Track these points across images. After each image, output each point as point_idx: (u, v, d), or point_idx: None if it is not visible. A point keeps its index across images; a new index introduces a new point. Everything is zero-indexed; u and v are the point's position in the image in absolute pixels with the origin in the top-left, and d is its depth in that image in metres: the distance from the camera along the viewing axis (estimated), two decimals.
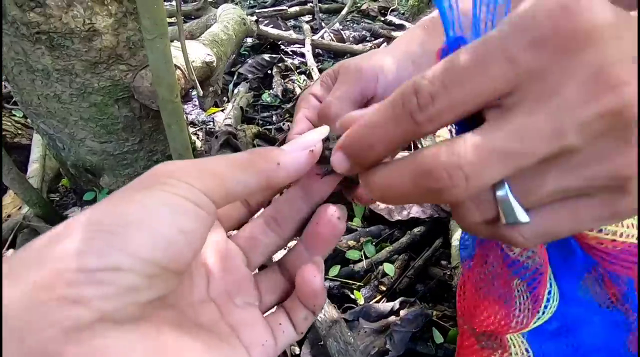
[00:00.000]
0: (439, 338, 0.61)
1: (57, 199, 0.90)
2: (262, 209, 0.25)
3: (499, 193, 0.17)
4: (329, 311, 0.54)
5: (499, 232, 0.18)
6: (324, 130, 0.23)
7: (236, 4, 2.39)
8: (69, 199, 0.90)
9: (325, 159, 0.22)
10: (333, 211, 0.23)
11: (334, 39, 1.82)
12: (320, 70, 1.65)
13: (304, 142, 0.22)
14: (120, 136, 0.73)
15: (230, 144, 0.89)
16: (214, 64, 0.75)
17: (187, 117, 1.28)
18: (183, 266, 0.17)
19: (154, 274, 0.15)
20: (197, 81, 0.58)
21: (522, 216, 0.17)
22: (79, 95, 0.66)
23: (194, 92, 1.01)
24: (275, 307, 0.24)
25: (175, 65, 0.60)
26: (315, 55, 1.78)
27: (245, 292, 0.23)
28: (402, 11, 2.26)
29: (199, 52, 0.75)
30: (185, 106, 1.31)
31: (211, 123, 1.31)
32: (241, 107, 1.22)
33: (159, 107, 0.55)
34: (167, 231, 0.16)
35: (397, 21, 1.95)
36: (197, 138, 1.19)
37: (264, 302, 0.23)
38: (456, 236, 0.73)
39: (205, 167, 0.18)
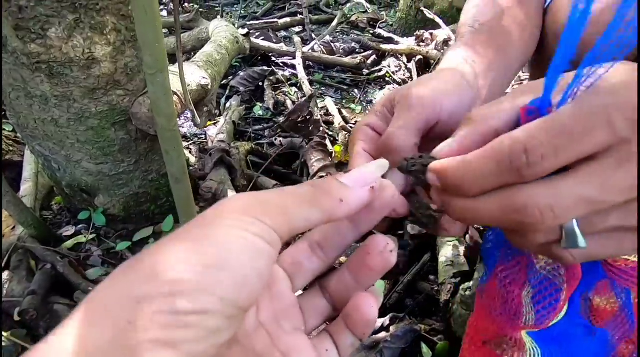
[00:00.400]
0: (427, 354, 0.64)
1: (51, 217, 0.91)
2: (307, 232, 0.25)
3: (567, 224, 0.20)
4: None
5: (554, 252, 0.22)
6: (384, 164, 0.24)
7: (227, 14, 2.41)
8: (62, 218, 0.90)
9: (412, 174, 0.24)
10: (386, 244, 0.22)
11: (324, 51, 1.85)
12: (311, 82, 1.68)
13: (365, 178, 0.22)
14: (116, 158, 0.74)
15: (224, 161, 0.91)
16: (209, 86, 0.78)
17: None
18: (254, 302, 0.18)
19: (233, 314, 0.16)
20: (194, 110, 0.61)
21: (582, 243, 0.21)
22: (76, 120, 0.68)
23: (205, 109, 1.03)
24: (319, 331, 0.23)
25: (172, 91, 0.62)
26: (306, 67, 1.81)
27: (292, 317, 0.23)
28: (390, 23, 2.32)
29: (195, 76, 0.77)
30: (177, 119, 1.32)
31: (204, 136, 1.33)
32: (233, 121, 1.23)
33: (158, 134, 0.57)
34: (247, 272, 0.16)
35: (385, 34, 1.99)
36: (190, 153, 1.20)
37: (308, 326, 0.23)
38: (443, 253, 0.76)
39: (272, 202, 0.19)
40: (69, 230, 0.86)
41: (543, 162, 0.19)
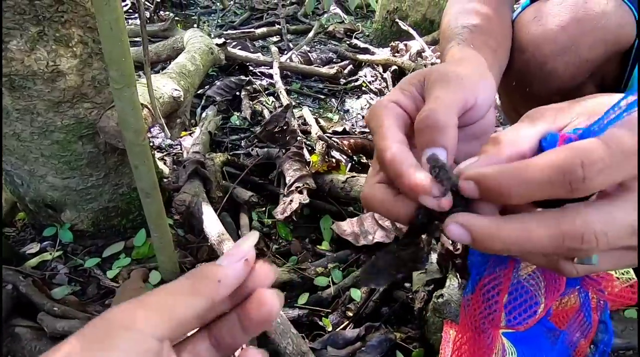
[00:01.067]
0: None
1: (14, 234, 0.86)
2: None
3: None
4: (297, 343, 0.57)
5: (561, 265, 0.23)
6: (254, 237, 0.25)
7: (204, 22, 2.40)
8: (26, 235, 0.86)
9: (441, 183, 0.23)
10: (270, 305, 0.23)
11: (302, 60, 1.87)
12: (289, 92, 1.69)
13: (238, 253, 0.23)
14: (84, 172, 0.72)
15: (198, 173, 0.90)
16: (182, 98, 0.77)
17: (152, 142, 1.26)
18: None
19: None
20: (164, 124, 0.60)
21: (595, 260, 0.22)
22: (40, 134, 0.65)
23: (178, 120, 1.01)
24: None
25: (142, 104, 0.62)
26: (283, 77, 1.82)
27: None
28: (367, 33, 2.37)
29: (167, 88, 0.76)
30: (152, 130, 1.30)
31: (179, 147, 1.30)
32: (209, 132, 1.22)
33: (126, 149, 0.56)
34: None
35: (361, 44, 2.04)
36: (165, 164, 1.18)
37: None
38: None
39: (151, 306, 0.20)
40: (34, 247, 0.82)
41: (597, 178, 0.19)
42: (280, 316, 0.61)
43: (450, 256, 0.69)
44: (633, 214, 0.20)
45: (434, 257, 0.75)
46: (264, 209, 1.04)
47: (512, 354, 0.42)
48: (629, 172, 0.20)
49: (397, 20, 2.10)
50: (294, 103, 1.64)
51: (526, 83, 0.59)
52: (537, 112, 0.26)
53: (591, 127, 0.22)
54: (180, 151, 1.27)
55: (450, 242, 0.72)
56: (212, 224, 0.76)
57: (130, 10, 2.24)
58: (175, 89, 0.76)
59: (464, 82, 0.30)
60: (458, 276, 0.68)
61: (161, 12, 2.28)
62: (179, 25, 2.12)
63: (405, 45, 1.89)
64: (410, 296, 0.74)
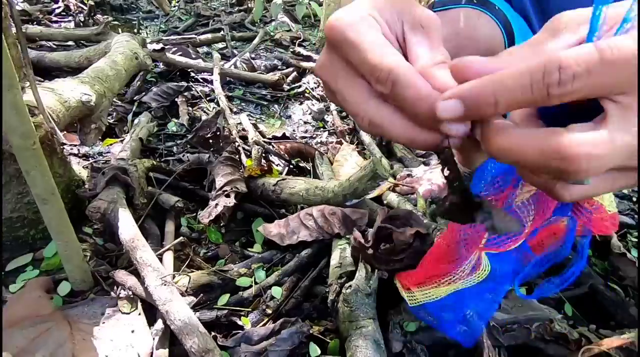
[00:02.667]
0: (314, 351, 0.67)
1: None
2: None
3: None
4: (203, 341, 0.57)
5: (555, 187, 0.22)
6: None
7: (146, 27, 2.34)
8: None
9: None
10: None
11: (246, 67, 1.88)
12: (229, 98, 1.69)
13: None
14: None
15: (118, 179, 0.88)
16: (92, 102, 0.75)
17: (78, 150, 1.21)
18: None
19: None
20: (56, 129, 0.59)
21: (588, 180, 0.21)
22: None
23: (93, 125, 0.97)
24: None
25: (31, 106, 0.60)
26: (227, 83, 1.82)
27: None
28: (313, 42, 2.43)
29: (75, 92, 0.74)
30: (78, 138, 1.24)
31: (109, 154, 1.26)
32: (140, 138, 1.19)
33: (15, 154, 0.54)
34: None
35: (304, 52, 2.09)
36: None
37: None
38: (334, 256, 0.81)
39: None
40: None
41: (573, 83, 0.19)
42: (189, 317, 0.61)
43: (362, 247, 0.73)
44: (628, 135, 0.19)
45: (347, 250, 0.79)
46: (195, 214, 1.04)
47: (486, 268, 0.45)
48: (619, 84, 0.19)
49: None
50: (235, 109, 1.65)
51: None
52: (558, 21, 0.24)
53: (588, 38, 0.21)
54: (109, 160, 1.23)
55: (361, 235, 0.76)
56: (127, 230, 0.75)
57: (64, 13, 2.14)
58: (85, 94, 0.74)
59: (439, 27, 0.29)
60: (367, 267, 0.72)
61: (98, 16, 2.19)
62: (120, 29, 2.06)
63: None
64: (327, 290, 0.77)
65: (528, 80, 0.20)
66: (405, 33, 0.28)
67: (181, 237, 0.86)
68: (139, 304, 0.68)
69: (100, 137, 1.36)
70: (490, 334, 0.67)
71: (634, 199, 1.31)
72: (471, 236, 0.42)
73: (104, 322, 0.65)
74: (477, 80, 0.21)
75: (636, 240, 1.11)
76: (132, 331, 0.64)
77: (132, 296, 0.67)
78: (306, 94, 1.82)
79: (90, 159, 1.23)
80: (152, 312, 0.71)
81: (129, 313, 0.66)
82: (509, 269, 0.47)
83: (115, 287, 0.74)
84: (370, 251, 0.71)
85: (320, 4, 2.34)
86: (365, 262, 0.71)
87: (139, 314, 0.66)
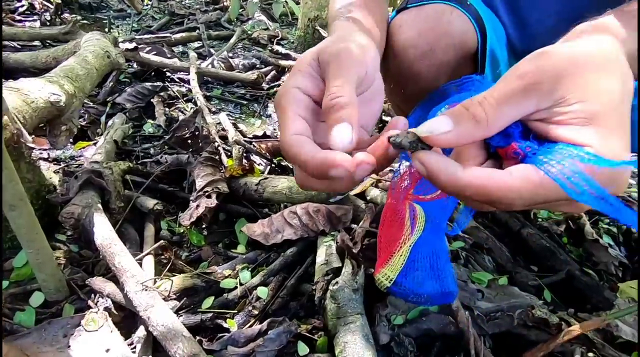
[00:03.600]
0: (303, 350, 0.67)
1: None
2: None
3: None
4: (188, 346, 0.56)
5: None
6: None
7: (117, 27, 2.26)
8: None
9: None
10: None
11: (223, 66, 1.85)
12: (207, 98, 1.66)
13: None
14: None
15: (92, 183, 0.84)
16: (62, 103, 0.72)
17: (48, 154, 1.15)
18: None
19: None
20: (23, 130, 0.55)
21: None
22: None
23: (63, 127, 0.93)
24: None
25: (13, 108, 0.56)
26: (204, 83, 1.78)
27: None
28: (291, 40, 2.42)
29: (43, 92, 0.70)
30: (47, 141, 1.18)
31: (82, 158, 1.21)
32: (115, 141, 1.15)
33: None
34: None
35: (283, 51, 2.07)
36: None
37: None
38: (319, 253, 0.81)
39: None
40: None
41: (494, 111, 0.27)
42: (172, 322, 0.59)
43: (347, 246, 0.73)
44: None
45: (333, 247, 0.79)
46: (175, 217, 1.01)
47: (421, 216, 0.46)
48: (530, 107, 0.26)
49: (318, 27, 2.17)
50: (214, 109, 1.62)
51: (401, 85, 0.65)
52: (536, 77, 0.27)
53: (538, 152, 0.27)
54: (82, 163, 1.18)
55: (347, 235, 0.76)
56: (103, 235, 0.72)
57: (28, 12, 2.03)
58: (54, 94, 0.71)
59: (354, 58, 0.34)
60: (354, 263, 0.72)
61: (66, 15, 2.10)
62: (90, 29, 1.97)
63: None
64: (314, 288, 0.76)
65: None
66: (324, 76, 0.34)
67: (161, 241, 0.83)
68: (109, 318, 0.63)
69: (72, 140, 1.30)
70: (475, 323, 0.69)
71: None
72: (400, 188, 0.44)
73: (69, 346, 0.58)
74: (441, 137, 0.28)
75: (607, 226, 1.16)
76: (107, 350, 0.58)
77: (99, 311, 0.63)
78: None
79: (61, 163, 1.17)
80: (133, 320, 0.68)
81: (97, 330, 0.60)
82: (442, 213, 0.49)
83: (92, 296, 0.71)
84: (356, 250, 0.72)
85: (298, 2, 2.33)
86: (352, 259, 0.71)
87: (111, 331, 0.60)
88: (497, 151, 0.30)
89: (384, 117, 1.59)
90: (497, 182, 0.26)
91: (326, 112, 0.31)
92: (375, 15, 0.58)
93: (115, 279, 0.70)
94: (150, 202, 0.92)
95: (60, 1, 1.92)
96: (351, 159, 0.28)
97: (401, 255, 0.46)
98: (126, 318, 0.70)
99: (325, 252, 0.80)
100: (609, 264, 0.95)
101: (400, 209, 0.44)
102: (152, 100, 1.53)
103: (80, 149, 1.23)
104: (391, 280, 0.50)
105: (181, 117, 1.48)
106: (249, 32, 2.31)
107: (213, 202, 0.91)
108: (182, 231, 0.97)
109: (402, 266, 0.48)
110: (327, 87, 0.32)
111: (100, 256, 0.74)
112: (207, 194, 0.93)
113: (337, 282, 0.68)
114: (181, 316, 0.69)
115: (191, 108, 1.59)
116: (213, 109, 1.60)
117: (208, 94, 1.69)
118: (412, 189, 0.43)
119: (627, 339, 0.63)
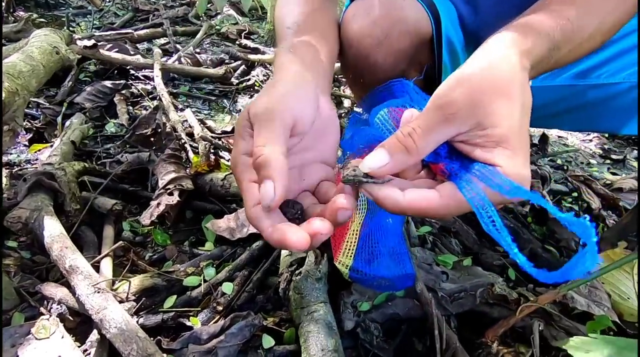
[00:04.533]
0: (268, 342, 0.66)
1: None
2: None
3: None
4: (143, 347, 0.54)
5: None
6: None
7: (77, 24, 2.16)
8: None
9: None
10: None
11: (190, 62, 1.80)
12: (174, 95, 1.61)
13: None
14: None
15: (43, 185, 0.80)
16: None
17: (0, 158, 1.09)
18: None
19: None
20: None
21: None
22: None
23: (5, 127, 0.88)
24: None
25: None
26: (171, 79, 1.73)
27: None
28: (262, 34, 2.38)
29: None
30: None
31: (37, 161, 1.15)
32: (73, 141, 1.10)
33: None
34: None
35: (252, 45, 2.04)
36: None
37: None
38: None
39: None
40: None
41: (421, 140, 0.33)
42: (126, 323, 0.57)
43: None
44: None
45: None
46: (138, 217, 0.97)
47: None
48: (450, 133, 0.32)
49: None
50: (181, 106, 1.57)
51: (359, 75, 0.64)
52: (453, 108, 0.33)
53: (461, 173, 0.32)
54: (36, 166, 1.12)
55: None
56: (53, 238, 0.69)
57: None
58: None
59: (277, 112, 0.35)
60: (317, 251, 0.71)
61: (21, 13, 2.00)
62: (49, 26, 1.88)
63: None
64: (279, 280, 0.75)
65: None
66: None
67: (120, 242, 0.80)
68: (60, 325, 0.60)
69: (27, 143, 1.24)
70: (440, 304, 0.69)
71: (565, 168, 1.42)
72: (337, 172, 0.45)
73: (17, 356, 0.56)
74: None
75: (569, 205, 1.20)
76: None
77: (50, 318, 0.60)
78: (256, 87, 1.78)
79: (15, 167, 1.12)
80: (90, 325, 0.65)
81: (48, 338, 0.57)
82: None
83: (46, 303, 0.68)
84: None
85: None
86: (316, 248, 0.71)
87: (62, 336, 0.58)
88: (429, 165, 0.35)
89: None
90: (429, 203, 0.32)
91: (256, 171, 0.34)
92: (324, 21, 0.57)
93: (68, 284, 0.67)
94: (109, 203, 0.89)
95: None
96: (304, 238, 0.31)
97: (350, 239, 0.46)
98: (83, 323, 0.67)
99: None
100: (569, 240, 0.98)
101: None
102: (114, 98, 1.47)
103: (35, 151, 1.17)
104: (347, 266, 0.50)
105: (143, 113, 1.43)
106: (218, 27, 2.26)
107: (175, 199, 0.88)
108: (146, 231, 0.94)
109: (353, 250, 0.47)
110: (253, 147, 0.34)
111: (58, 261, 0.70)
112: (169, 191, 0.90)
113: (300, 273, 0.67)
114: (141, 317, 0.67)
115: (156, 106, 1.54)
116: (180, 106, 1.56)
117: (175, 91, 1.65)
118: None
119: (582, 309, 0.65)
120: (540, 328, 0.62)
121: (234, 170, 0.36)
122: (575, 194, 1.22)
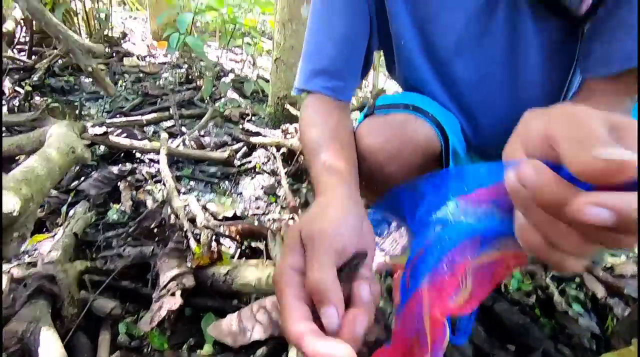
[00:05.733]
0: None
1: None
2: None
3: None
4: None
5: (566, 260, 0.27)
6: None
7: (89, 108, 2.30)
8: None
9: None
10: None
11: (194, 145, 1.89)
12: (178, 178, 1.66)
13: None
14: None
15: (44, 291, 0.78)
16: (16, 212, 0.69)
17: None
18: None
19: None
20: None
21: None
22: None
23: (15, 234, 0.88)
24: None
25: None
26: (175, 161, 1.79)
27: None
28: (262, 116, 2.54)
29: None
30: None
31: (36, 253, 1.13)
32: (75, 234, 1.10)
33: None
34: None
35: (253, 128, 2.16)
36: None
37: None
38: (291, 354, 0.76)
39: None
40: None
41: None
42: None
43: None
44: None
45: None
46: (136, 317, 0.94)
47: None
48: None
49: (287, 106, 2.31)
50: (184, 189, 1.61)
51: (373, 184, 0.69)
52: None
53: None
54: (36, 259, 1.10)
55: None
56: (50, 355, 0.65)
57: None
58: (7, 203, 0.69)
59: (328, 236, 0.37)
60: None
61: (37, 98, 2.12)
62: (60, 112, 1.99)
63: (295, 128, 2.07)
64: None
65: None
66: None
67: (117, 352, 0.76)
68: None
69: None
70: None
71: None
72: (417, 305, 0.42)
73: None
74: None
75: (574, 293, 1.19)
76: None
77: None
78: (257, 169, 1.84)
79: (13, 260, 1.09)
80: None
81: None
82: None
83: None
84: None
85: (267, 81, 2.50)
86: None
87: None
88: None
89: None
90: None
91: (312, 295, 0.35)
92: (346, 133, 0.64)
93: None
94: (108, 306, 0.86)
95: (30, 88, 1.96)
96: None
97: None
98: None
99: (297, 353, 0.75)
100: (582, 336, 0.96)
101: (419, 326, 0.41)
102: (118, 184, 1.51)
103: (35, 243, 1.15)
104: None
105: (149, 200, 1.46)
106: (221, 110, 2.41)
107: (177, 301, 0.86)
108: (142, 334, 0.89)
109: None
110: (307, 271, 0.35)
111: None
112: (170, 292, 0.88)
113: None
114: None
115: (160, 190, 1.57)
116: (183, 190, 1.59)
117: (178, 173, 1.70)
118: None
119: None
120: None
121: (278, 280, 0.36)
122: (578, 280, 1.22)
